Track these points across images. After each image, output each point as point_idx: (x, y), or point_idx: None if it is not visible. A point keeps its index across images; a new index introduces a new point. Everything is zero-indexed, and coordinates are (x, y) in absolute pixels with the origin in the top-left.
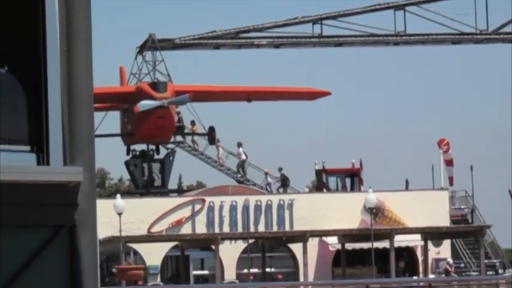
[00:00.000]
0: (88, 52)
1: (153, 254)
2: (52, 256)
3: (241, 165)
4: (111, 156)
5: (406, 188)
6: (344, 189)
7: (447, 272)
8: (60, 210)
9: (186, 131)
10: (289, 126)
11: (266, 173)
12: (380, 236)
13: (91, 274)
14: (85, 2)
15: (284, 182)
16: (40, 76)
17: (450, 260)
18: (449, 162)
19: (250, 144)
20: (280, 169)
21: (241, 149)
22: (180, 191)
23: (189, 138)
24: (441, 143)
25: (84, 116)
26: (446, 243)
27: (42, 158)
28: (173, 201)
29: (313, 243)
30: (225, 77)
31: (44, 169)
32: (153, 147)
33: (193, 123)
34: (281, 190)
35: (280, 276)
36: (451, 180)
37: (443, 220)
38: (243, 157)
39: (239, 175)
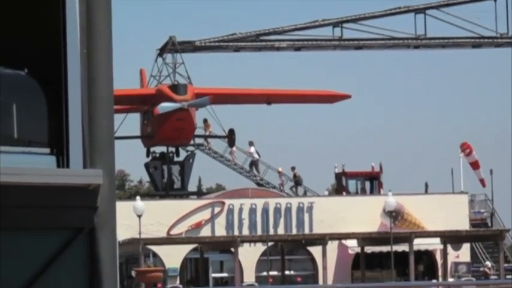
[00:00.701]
0: (108, 54)
1: (173, 257)
2: (72, 258)
3: (255, 164)
4: (131, 158)
5: (426, 192)
6: (363, 192)
7: (486, 275)
8: (80, 212)
9: (199, 130)
10: (309, 129)
11: (279, 172)
12: (399, 239)
13: (110, 277)
14: (105, 4)
15: (297, 181)
16: (60, 78)
17: (489, 263)
18: (475, 165)
19: (269, 146)
20: (293, 168)
21: (253, 148)
22: (199, 194)
23: (215, 143)
24: (463, 146)
25: (104, 118)
26: (466, 247)
27: (62, 160)
28: (193, 203)
29: (332, 246)
30: (245, 80)
31: (63, 172)
32: (173, 149)
33: (205, 121)
34: (294, 189)
35: (299, 279)
36: (482, 182)
37: (462, 224)
38: (256, 156)
39: (251, 174)
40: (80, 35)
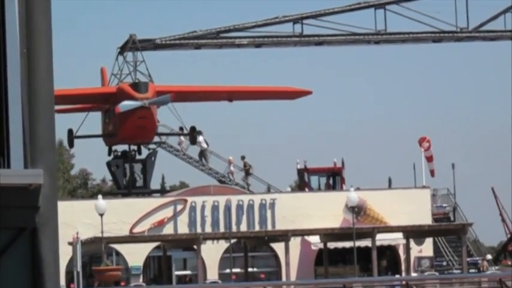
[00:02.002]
0: (48, 54)
1: (136, 255)
2: (13, 259)
3: (203, 154)
4: (93, 157)
5: (389, 187)
6: (328, 188)
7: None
8: (21, 212)
9: (160, 128)
10: (271, 125)
11: (229, 162)
12: (362, 234)
13: (53, 276)
14: (45, 4)
15: (248, 171)
16: (0, 79)
17: (489, 256)
18: (429, 159)
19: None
20: (243, 157)
21: (201, 138)
22: (162, 192)
23: (171, 139)
24: (422, 141)
25: (44, 118)
26: (429, 242)
27: (3, 160)
28: (155, 201)
29: (295, 242)
30: (206, 77)
31: (4, 172)
32: (135, 147)
33: (181, 129)
34: (245, 179)
35: (262, 276)
36: (432, 172)
37: (425, 218)
38: (204, 145)
39: (200, 164)
40: (19, 35)
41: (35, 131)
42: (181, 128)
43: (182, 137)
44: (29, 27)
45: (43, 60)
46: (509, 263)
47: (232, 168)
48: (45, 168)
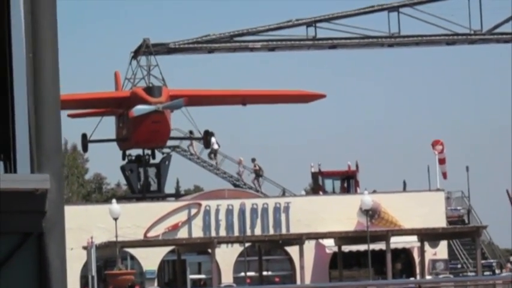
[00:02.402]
0: (54, 59)
1: (150, 259)
2: (20, 264)
3: (214, 153)
4: (108, 161)
5: (404, 189)
6: (343, 190)
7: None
8: (28, 217)
9: (174, 132)
10: (285, 129)
11: (239, 162)
12: (376, 237)
13: (60, 281)
14: (51, 9)
15: (258, 173)
16: (6, 83)
17: None
18: (442, 161)
19: (245, 147)
20: (253, 160)
21: (213, 139)
22: (177, 195)
23: (185, 143)
24: (436, 143)
25: (51, 123)
26: (443, 244)
27: (9, 165)
28: (169, 205)
29: (309, 245)
30: (219, 81)
31: (10, 177)
32: (149, 152)
33: (191, 132)
34: (255, 181)
35: (277, 279)
36: (444, 175)
37: (439, 221)
38: (216, 146)
39: (208, 164)
40: (25, 40)
41: (41, 135)
42: (191, 132)
43: (194, 141)
44: (34, 32)
45: (49, 65)
46: None
47: (241, 168)
48: (51, 173)
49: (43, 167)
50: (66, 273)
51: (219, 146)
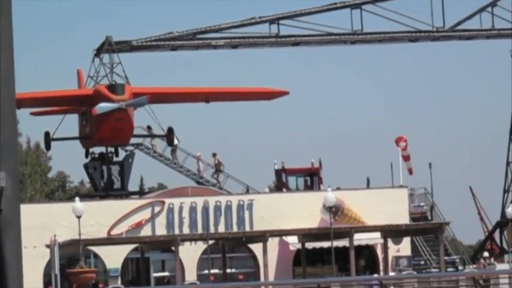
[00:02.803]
0: (9, 57)
1: (114, 257)
2: None
3: (173, 150)
4: (71, 159)
5: (368, 186)
6: (307, 187)
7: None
8: None
9: (138, 130)
10: (249, 126)
11: (198, 158)
12: (340, 234)
13: (16, 280)
14: (6, 7)
15: (218, 168)
16: None
17: (486, 253)
18: (406, 158)
19: (209, 144)
20: (214, 155)
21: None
22: (140, 193)
23: (147, 141)
24: (399, 140)
25: (5, 121)
26: (406, 241)
27: None
28: (132, 203)
29: (273, 243)
30: (183, 79)
31: None
32: (112, 149)
33: (149, 128)
34: (215, 176)
35: (241, 277)
36: (410, 171)
37: (402, 218)
38: (175, 141)
39: (174, 162)
40: None
41: None
42: (149, 127)
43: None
44: None
45: (3, 63)
46: (487, 261)
47: (200, 164)
48: (6, 170)
49: None
50: (23, 272)
51: (178, 141)
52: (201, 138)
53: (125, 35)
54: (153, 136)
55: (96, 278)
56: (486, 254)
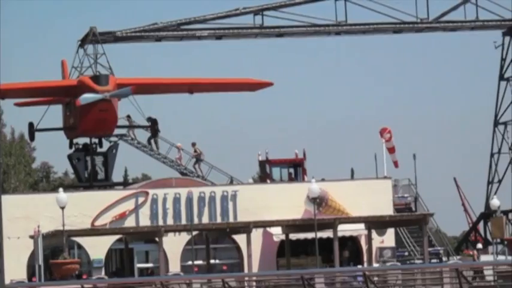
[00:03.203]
0: None
1: (97, 248)
2: None
3: (153, 139)
4: (55, 150)
5: (352, 178)
6: (291, 179)
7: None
8: None
9: (122, 121)
10: (232, 117)
11: (178, 147)
12: (324, 225)
13: None
14: None
15: (198, 157)
16: None
17: (480, 245)
18: (391, 150)
19: (193, 135)
20: (193, 144)
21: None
22: (124, 184)
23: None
24: (383, 131)
25: None
26: (390, 232)
27: None
28: (116, 194)
29: (257, 234)
30: (167, 69)
31: None
32: (96, 140)
33: (129, 117)
34: (196, 166)
35: (225, 268)
36: (395, 163)
37: (386, 209)
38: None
39: (148, 149)
40: None
41: None
42: (128, 116)
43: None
44: None
45: None
46: (471, 252)
47: (180, 153)
48: None
49: None
50: (3, 263)
51: (158, 131)
52: (184, 129)
53: (109, 25)
54: (136, 127)
55: (79, 269)
56: (480, 245)
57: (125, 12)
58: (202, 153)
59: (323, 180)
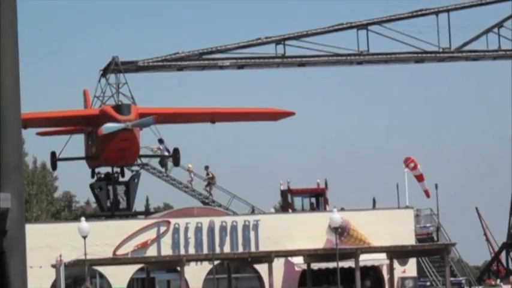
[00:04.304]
0: (15, 77)
1: (119, 277)
2: None
3: (164, 161)
4: (77, 179)
5: (374, 207)
6: (312, 208)
7: None
8: None
9: (144, 150)
10: (254, 147)
11: (189, 170)
12: (345, 255)
13: None
14: (11, 29)
15: (210, 181)
16: None
17: None
18: (420, 178)
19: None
20: (206, 167)
21: (162, 146)
22: (146, 213)
23: (154, 161)
24: (407, 161)
25: (11, 142)
26: (412, 262)
27: None
28: (138, 223)
29: (278, 263)
30: (189, 99)
31: None
32: (118, 169)
33: (161, 141)
34: (208, 189)
35: None
36: (426, 192)
37: (408, 238)
38: (165, 153)
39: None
40: None
41: (1, 154)
42: (160, 140)
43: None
44: None
45: (10, 83)
46: (493, 282)
47: (192, 176)
48: (12, 192)
49: (4, 186)
50: None
51: (168, 152)
52: (206, 158)
53: (131, 55)
54: (158, 156)
55: None
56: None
57: (147, 42)
58: (214, 176)
59: (343, 209)
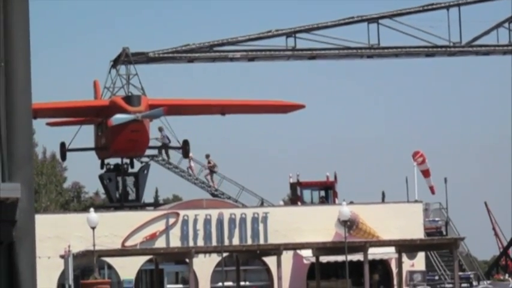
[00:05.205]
0: (26, 68)
1: (128, 268)
2: None
3: (164, 148)
4: (86, 170)
5: (383, 201)
6: (322, 201)
7: None
8: None
9: (153, 142)
10: (264, 139)
11: (190, 158)
12: (354, 248)
13: None
14: (23, 18)
15: (212, 169)
16: None
17: None
18: (426, 173)
19: (224, 157)
20: (207, 156)
21: (162, 134)
22: (155, 205)
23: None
24: (416, 155)
25: (22, 133)
26: (421, 256)
27: None
28: (147, 214)
29: (287, 256)
30: (199, 90)
31: None
32: (127, 161)
33: (160, 129)
34: (209, 177)
35: None
36: (432, 189)
37: (417, 232)
38: (166, 141)
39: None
40: None
41: (12, 144)
42: (160, 129)
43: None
44: (6, 41)
45: (21, 75)
46: (502, 277)
47: (192, 164)
48: (22, 182)
49: (14, 176)
50: (37, 282)
51: (169, 140)
52: (216, 150)
53: (141, 46)
54: (168, 147)
55: None
56: None
57: (158, 33)
58: (216, 165)
59: (352, 202)
